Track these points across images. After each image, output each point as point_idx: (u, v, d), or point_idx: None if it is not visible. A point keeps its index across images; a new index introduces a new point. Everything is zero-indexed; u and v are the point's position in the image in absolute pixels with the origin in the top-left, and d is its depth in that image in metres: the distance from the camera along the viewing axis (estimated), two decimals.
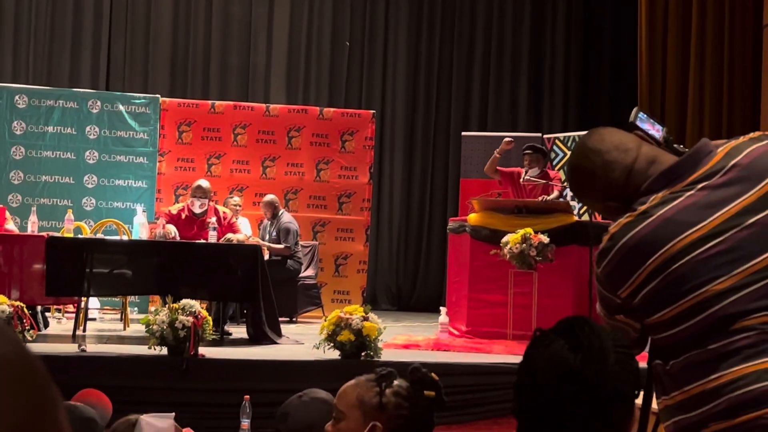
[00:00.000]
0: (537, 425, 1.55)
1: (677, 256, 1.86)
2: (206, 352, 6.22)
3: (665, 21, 10.23)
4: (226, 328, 7.59)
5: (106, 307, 9.15)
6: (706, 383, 1.83)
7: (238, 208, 9.24)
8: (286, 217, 9.22)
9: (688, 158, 1.96)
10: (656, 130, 2.11)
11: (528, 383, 1.56)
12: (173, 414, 2.05)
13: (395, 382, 2.10)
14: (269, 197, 9.34)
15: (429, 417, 2.08)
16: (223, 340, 7.22)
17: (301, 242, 9.34)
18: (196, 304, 6.13)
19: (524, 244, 7.30)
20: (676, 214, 1.89)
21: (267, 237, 9.17)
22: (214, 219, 7.64)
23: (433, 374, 2.11)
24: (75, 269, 7.02)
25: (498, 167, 8.42)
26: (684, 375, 1.87)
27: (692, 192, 1.91)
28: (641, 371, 1.61)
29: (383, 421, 2.04)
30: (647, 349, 2.05)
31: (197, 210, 7.85)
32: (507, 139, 8.41)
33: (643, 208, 1.93)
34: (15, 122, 9.60)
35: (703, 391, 1.83)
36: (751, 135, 2.00)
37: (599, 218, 9.35)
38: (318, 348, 6.19)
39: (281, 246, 8.98)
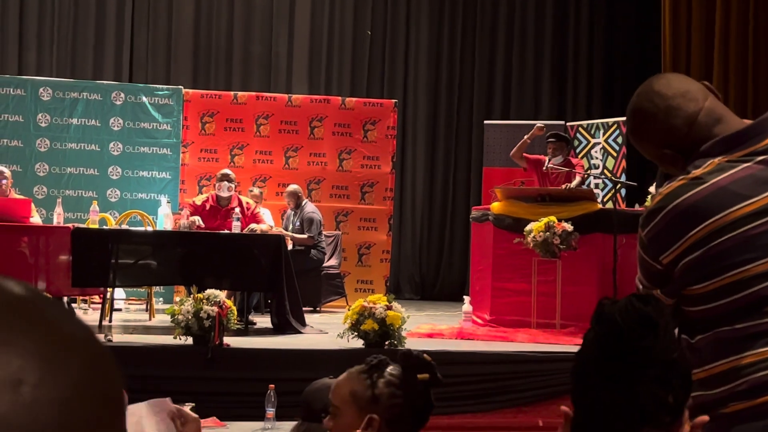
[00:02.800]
0: (601, 384, 1.45)
1: (724, 229, 1.83)
2: (231, 341, 6.26)
3: (689, 6, 10.13)
4: (250, 317, 7.62)
5: (131, 298, 9.21)
6: (730, 362, 1.82)
7: (257, 201, 9.26)
8: (310, 207, 9.24)
9: (752, 127, 1.92)
10: None
11: (607, 330, 1.46)
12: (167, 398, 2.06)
13: (387, 371, 2.09)
14: (292, 187, 9.36)
15: (425, 399, 2.06)
16: (247, 329, 7.25)
17: (324, 232, 9.36)
18: (220, 294, 6.16)
19: (548, 233, 7.28)
20: (730, 185, 1.85)
21: (290, 227, 9.19)
22: (237, 209, 7.67)
23: (425, 355, 2.09)
24: (100, 260, 7.07)
25: (524, 154, 8.34)
26: (709, 351, 1.86)
27: (749, 164, 1.87)
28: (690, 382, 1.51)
29: (379, 412, 2.04)
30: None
31: (225, 193, 7.86)
32: (539, 125, 8.33)
33: (697, 173, 1.88)
34: (39, 114, 9.68)
35: (725, 370, 1.82)
36: None
37: (623, 206, 9.31)
38: (342, 337, 6.20)
39: (304, 236, 9.00)
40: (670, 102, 1.94)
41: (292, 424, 3.18)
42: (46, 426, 0.49)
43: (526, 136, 8.20)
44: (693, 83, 1.98)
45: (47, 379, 0.50)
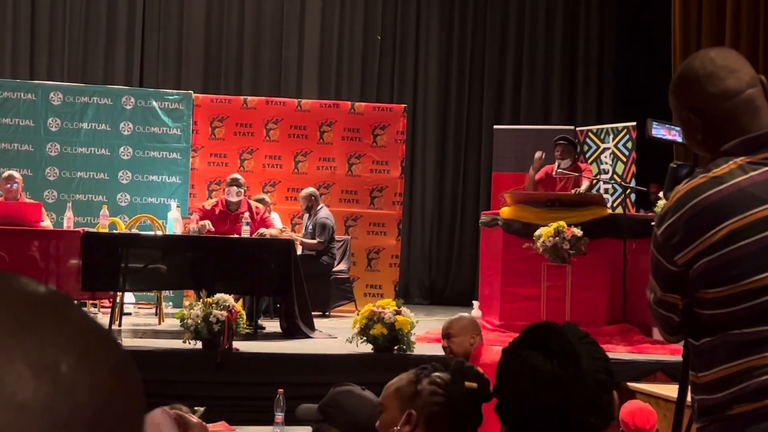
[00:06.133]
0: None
1: (741, 233, 1.81)
2: (240, 346, 6.26)
3: (699, 9, 10.12)
4: (259, 322, 7.62)
5: (141, 302, 9.23)
6: (737, 365, 1.81)
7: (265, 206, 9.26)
8: (324, 212, 9.20)
9: None
10: (673, 135, 2.06)
11: (511, 401, 1.57)
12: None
13: (435, 374, 2.10)
14: (306, 190, 9.33)
15: (471, 408, 2.06)
16: (256, 334, 7.26)
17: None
18: (229, 299, 6.17)
19: (557, 238, 7.26)
20: (749, 187, 1.84)
21: (303, 231, 9.21)
22: (247, 214, 7.68)
23: (479, 368, 2.10)
24: (110, 264, 7.08)
25: (535, 178, 8.41)
26: (714, 355, 1.85)
27: None
28: (607, 356, 1.66)
29: (418, 408, 2.04)
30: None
31: (234, 198, 7.87)
32: (537, 154, 8.38)
33: (717, 172, 1.86)
34: (50, 119, 9.71)
35: (732, 373, 1.81)
36: None
37: (633, 211, 9.29)
38: (351, 342, 6.20)
39: (314, 241, 9.00)
40: (717, 71, 1.93)
41: (300, 428, 3.18)
42: (84, 409, 0.50)
43: (531, 169, 8.30)
44: (749, 68, 1.97)
45: (84, 365, 0.51)
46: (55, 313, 0.52)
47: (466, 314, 5.03)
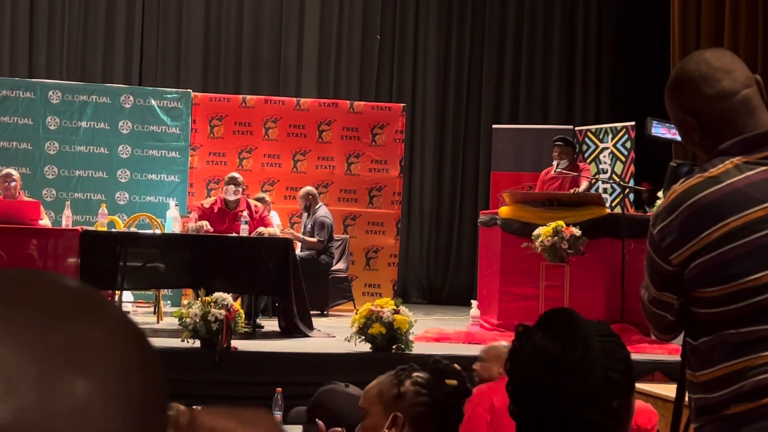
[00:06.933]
0: (533, 420, 1.54)
1: (737, 234, 1.81)
2: (239, 344, 6.26)
3: (698, 9, 10.12)
4: (258, 321, 7.62)
5: (139, 301, 9.22)
6: (734, 365, 1.81)
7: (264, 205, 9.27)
8: (322, 211, 9.20)
9: None
10: (672, 134, 2.06)
11: (515, 380, 1.55)
12: None
13: (414, 374, 2.10)
14: (303, 190, 9.34)
15: (454, 405, 2.07)
16: (255, 332, 7.25)
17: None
18: (228, 298, 6.17)
19: (556, 237, 7.26)
20: (745, 187, 1.84)
21: (302, 230, 9.22)
22: (245, 212, 7.68)
23: (455, 365, 2.11)
24: (109, 263, 7.08)
25: (540, 187, 8.49)
26: (712, 354, 1.85)
27: (767, 167, 1.86)
28: (632, 361, 1.60)
29: (403, 409, 2.04)
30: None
31: (231, 197, 7.86)
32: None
33: (714, 172, 1.86)
34: (49, 117, 9.70)
35: (729, 373, 1.82)
36: None
37: (632, 211, 9.29)
38: (349, 341, 6.20)
39: (314, 239, 9.00)
40: (712, 72, 1.92)
41: (298, 428, 3.19)
42: (140, 392, 0.53)
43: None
44: (744, 69, 1.96)
45: (138, 349, 0.55)
46: (95, 306, 0.55)
47: (505, 342, 4.97)
